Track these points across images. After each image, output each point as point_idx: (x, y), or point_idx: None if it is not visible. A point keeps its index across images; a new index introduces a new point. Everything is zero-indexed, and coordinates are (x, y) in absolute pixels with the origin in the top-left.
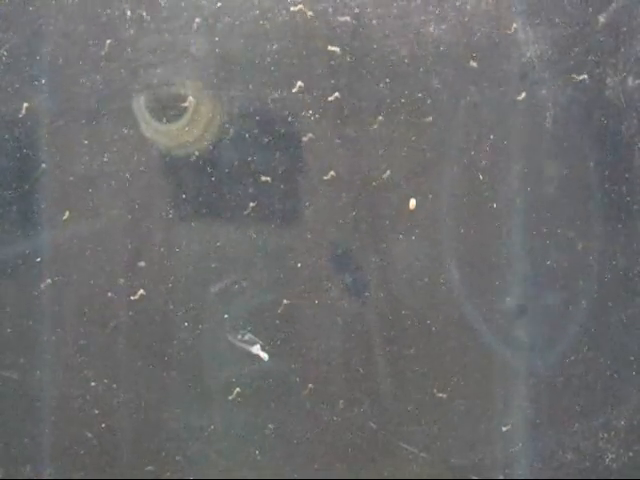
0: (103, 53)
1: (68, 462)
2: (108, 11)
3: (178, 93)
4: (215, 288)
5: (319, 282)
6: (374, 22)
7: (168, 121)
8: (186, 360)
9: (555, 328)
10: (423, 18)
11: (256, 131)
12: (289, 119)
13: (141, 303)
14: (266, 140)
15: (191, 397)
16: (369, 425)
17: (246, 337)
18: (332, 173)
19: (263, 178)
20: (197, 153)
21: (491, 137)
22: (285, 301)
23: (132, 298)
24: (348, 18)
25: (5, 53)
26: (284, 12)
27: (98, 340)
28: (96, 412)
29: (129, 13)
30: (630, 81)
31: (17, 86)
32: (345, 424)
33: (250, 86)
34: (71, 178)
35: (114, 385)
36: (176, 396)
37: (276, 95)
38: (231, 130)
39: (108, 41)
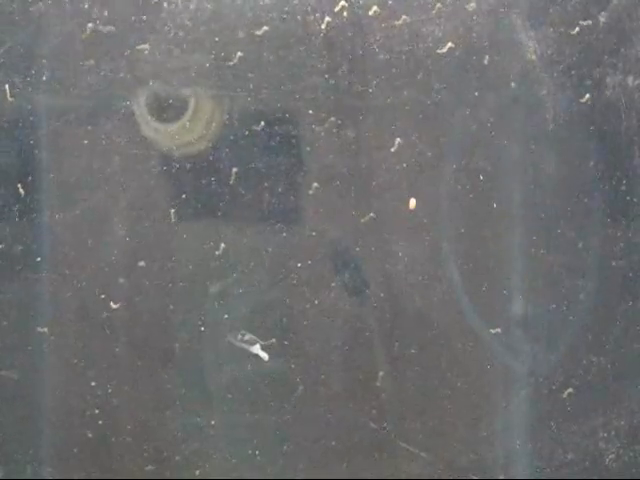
0: None
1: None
2: None
3: None
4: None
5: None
6: None
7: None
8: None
9: (556, 328)
10: None
11: None
12: None
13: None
14: None
15: (191, 396)
16: (369, 425)
17: (246, 337)
18: None
19: None
20: None
21: None
22: (285, 301)
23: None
24: None
25: None
26: None
27: (94, 340)
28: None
29: None
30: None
31: None
32: (345, 424)
33: None
34: None
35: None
36: (176, 396)
37: None
38: None
39: None
